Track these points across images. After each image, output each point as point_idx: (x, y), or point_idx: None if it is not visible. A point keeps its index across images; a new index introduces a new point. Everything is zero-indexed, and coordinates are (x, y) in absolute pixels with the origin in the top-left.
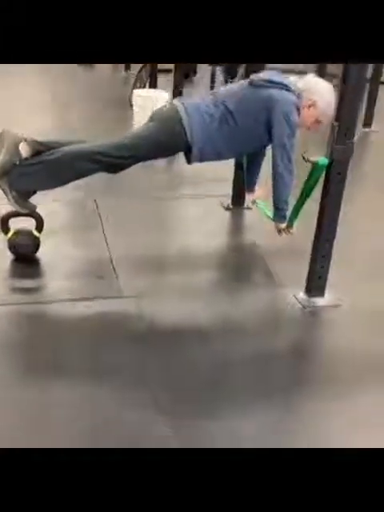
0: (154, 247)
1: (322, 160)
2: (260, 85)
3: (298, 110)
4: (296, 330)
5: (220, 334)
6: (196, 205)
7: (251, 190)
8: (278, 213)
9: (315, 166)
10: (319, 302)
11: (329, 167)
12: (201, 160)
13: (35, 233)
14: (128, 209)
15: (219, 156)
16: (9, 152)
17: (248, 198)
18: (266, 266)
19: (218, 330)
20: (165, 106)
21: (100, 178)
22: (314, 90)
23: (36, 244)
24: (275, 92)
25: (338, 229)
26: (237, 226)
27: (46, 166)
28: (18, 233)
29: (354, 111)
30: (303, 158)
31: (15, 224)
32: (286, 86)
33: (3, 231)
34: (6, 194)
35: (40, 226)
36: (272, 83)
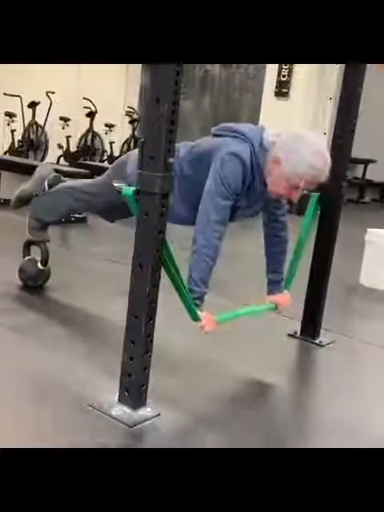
0: None
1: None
2: (216, 134)
3: (254, 166)
4: None
5: None
6: None
7: (270, 290)
8: (192, 295)
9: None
10: None
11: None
12: None
13: (39, 264)
14: None
15: (175, 215)
16: (34, 184)
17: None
18: None
19: None
20: None
21: None
22: (282, 144)
23: (37, 274)
24: (227, 140)
25: None
26: None
27: (47, 198)
28: (29, 260)
29: None
30: None
31: None
32: (242, 134)
33: (23, 255)
34: (28, 222)
35: (44, 259)
36: (228, 131)
